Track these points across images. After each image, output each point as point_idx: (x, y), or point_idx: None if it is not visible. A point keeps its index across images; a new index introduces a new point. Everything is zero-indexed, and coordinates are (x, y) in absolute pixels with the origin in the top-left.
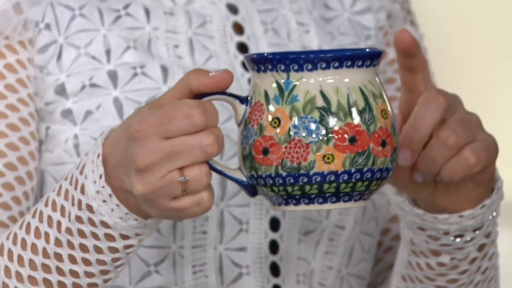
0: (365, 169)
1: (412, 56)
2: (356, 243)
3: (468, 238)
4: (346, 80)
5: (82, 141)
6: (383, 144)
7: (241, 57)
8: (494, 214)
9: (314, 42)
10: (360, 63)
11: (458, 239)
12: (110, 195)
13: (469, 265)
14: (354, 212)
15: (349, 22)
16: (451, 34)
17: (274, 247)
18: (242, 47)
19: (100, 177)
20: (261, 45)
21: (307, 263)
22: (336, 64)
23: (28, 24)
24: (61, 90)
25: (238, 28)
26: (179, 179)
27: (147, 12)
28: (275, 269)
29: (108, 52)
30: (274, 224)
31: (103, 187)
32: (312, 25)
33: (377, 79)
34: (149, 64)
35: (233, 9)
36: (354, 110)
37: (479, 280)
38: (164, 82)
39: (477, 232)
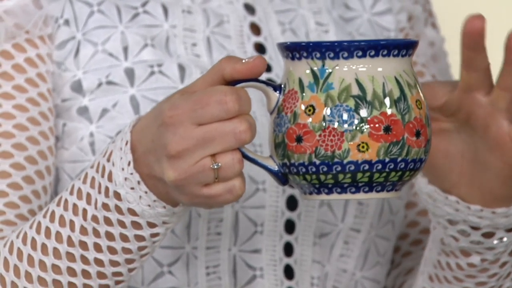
0: (399, 159)
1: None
2: (371, 246)
3: (499, 237)
4: (382, 69)
5: (98, 139)
6: (417, 134)
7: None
8: None
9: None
10: (396, 52)
11: (489, 239)
12: (138, 182)
13: (499, 269)
14: (371, 216)
15: (369, 23)
16: None
17: (288, 249)
18: (260, 48)
19: (129, 164)
20: None
21: (322, 266)
22: (372, 53)
23: (48, 20)
24: (77, 87)
25: (255, 29)
26: (211, 165)
27: (165, 9)
28: (289, 272)
29: (125, 50)
30: (289, 226)
31: (131, 174)
32: (331, 25)
33: (411, 69)
34: (166, 63)
35: (250, 9)
36: (389, 99)
37: (508, 287)
38: (181, 81)
39: (509, 233)
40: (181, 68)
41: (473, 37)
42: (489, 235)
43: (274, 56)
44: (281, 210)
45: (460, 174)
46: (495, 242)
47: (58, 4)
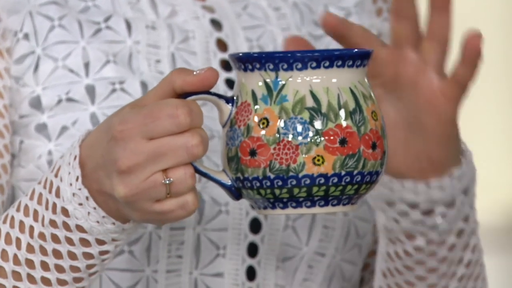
0: (355, 172)
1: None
2: (336, 271)
3: (440, 213)
4: (336, 80)
5: (56, 157)
6: (374, 146)
7: (224, 75)
8: (469, 193)
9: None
10: (350, 63)
11: (429, 217)
12: (87, 198)
13: (448, 252)
14: (336, 239)
15: None
16: None
17: (251, 273)
18: (226, 65)
19: (77, 179)
20: None
21: None
22: (327, 64)
23: (6, 33)
24: (36, 103)
25: (222, 45)
26: (163, 181)
27: (129, 25)
28: None
29: (86, 66)
30: (252, 250)
31: (79, 189)
32: None
33: (366, 80)
34: (128, 80)
35: (217, 25)
36: (344, 111)
37: (462, 274)
38: None
39: (450, 209)
40: (144, 86)
41: None
42: (429, 212)
43: None
44: (244, 233)
45: (395, 145)
46: (436, 219)
47: (17, 17)
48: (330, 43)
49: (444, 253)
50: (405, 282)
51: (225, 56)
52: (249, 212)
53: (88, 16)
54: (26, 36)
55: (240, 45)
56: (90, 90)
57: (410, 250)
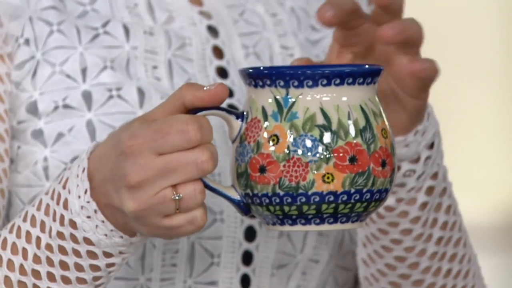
0: (364, 189)
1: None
2: (329, 277)
3: (407, 169)
4: (347, 98)
5: (52, 164)
6: (383, 164)
7: (220, 82)
8: (434, 148)
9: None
10: (361, 80)
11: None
12: (95, 211)
13: (420, 211)
14: (330, 246)
15: None
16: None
17: (245, 281)
18: (222, 72)
19: (85, 192)
20: None
21: None
22: (337, 81)
23: (8, 39)
24: (33, 109)
25: (218, 52)
26: (172, 196)
27: (127, 30)
28: None
29: (84, 71)
30: (247, 258)
31: (88, 202)
32: (297, 48)
33: (376, 97)
34: (126, 86)
35: (213, 32)
36: (354, 128)
37: (439, 237)
38: (140, 107)
39: (415, 165)
40: (141, 93)
41: None
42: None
43: (236, 81)
44: (238, 241)
45: None
46: (404, 176)
47: (18, 23)
48: (326, 47)
49: (415, 213)
50: (382, 248)
51: (221, 63)
52: (244, 220)
53: (86, 21)
54: (26, 42)
55: (236, 52)
56: (87, 97)
57: (381, 211)
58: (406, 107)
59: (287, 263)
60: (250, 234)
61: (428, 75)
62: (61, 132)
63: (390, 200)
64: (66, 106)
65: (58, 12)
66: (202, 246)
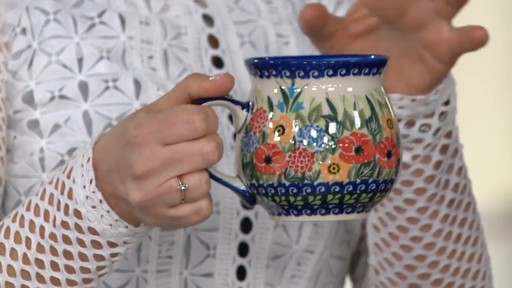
0: (370, 180)
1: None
2: (324, 267)
3: (422, 124)
4: (352, 88)
5: (48, 155)
6: (389, 154)
7: (215, 71)
8: (449, 106)
9: (293, 54)
10: (367, 70)
11: (413, 128)
12: (100, 201)
13: (434, 170)
14: (326, 236)
15: None
16: None
17: (241, 273)
18: (217, 61)
19: (91, 182)
20: (237, 59)
21: None
22: (343, 72)
23: (5, 28)
24: (29, 99)
25: (213, 41)
26: (178, 187)
27: (123, 20)
28: None
29: (80, 61)
30: (243, 249)
31: (93, 192)
32: (292, 36)
33: (382, 87)
34: (122, 77)
35: (209, 20)
36: (360, 119)
37: (451, 199)
38: (136, 97)
39: (430, 120)
40: (137, 83)
41: None
42: (411, 124)
43: (231, 70)
44: (234, 233)
45: (388, 68)
46: (420, 131)
47: (15, 12)
48: None
49: (430, 171)
50: (395, 209)
51: (217, 52)
52: (240, 211)
53: (82, 11)
54: (23, 31)
55: (231, 41)
56: (83, 87)
57: None
58: (433, 71)
59: (282, 254)
60: (246, 226)
61: (473, 46)
62: (57, 123)
63: (405, 157)
64: (62, 97)
65: (54, 2)
66: (198, 238)
